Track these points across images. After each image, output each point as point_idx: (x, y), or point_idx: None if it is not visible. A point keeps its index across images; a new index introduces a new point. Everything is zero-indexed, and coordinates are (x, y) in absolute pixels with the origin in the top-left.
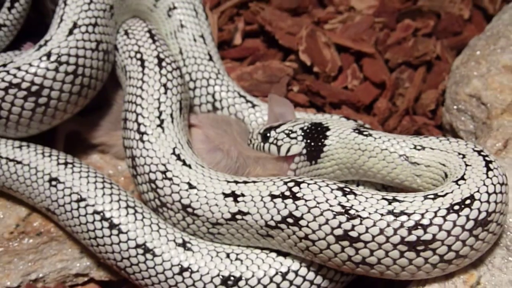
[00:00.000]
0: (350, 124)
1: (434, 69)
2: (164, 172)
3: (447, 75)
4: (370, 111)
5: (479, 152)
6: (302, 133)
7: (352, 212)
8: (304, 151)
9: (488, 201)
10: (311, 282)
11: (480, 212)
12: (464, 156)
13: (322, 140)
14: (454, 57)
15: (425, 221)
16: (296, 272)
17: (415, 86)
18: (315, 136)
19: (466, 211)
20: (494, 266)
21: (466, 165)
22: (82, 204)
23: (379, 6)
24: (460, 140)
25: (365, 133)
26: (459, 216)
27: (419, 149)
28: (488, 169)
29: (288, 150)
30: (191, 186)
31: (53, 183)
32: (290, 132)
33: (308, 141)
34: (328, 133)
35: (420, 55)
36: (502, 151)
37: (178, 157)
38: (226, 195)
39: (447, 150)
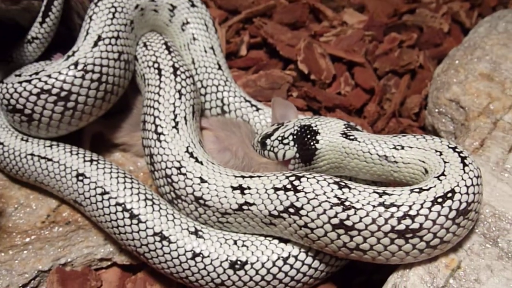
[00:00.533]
0: (338, 127)
1: (418, 77)
2: (178, 168)
3: (429, 82)
4: (361, 114)
5: (454, 149)
6: (293, 138)
7: (347, 203)
8: (298, 155)
9: (467, 193)
10: (309, 266)
11: (461, 203)
12: (441, 153)
13: (314, 144)
14: (435, 66)
15: (412, 212)
16: (296, 257)
17: (401, 92)
18: (306, 141)
19: (448, 202)
20: (473, 252)
21: (445, 162)
22: (106, 197)
23: (368, 21)
24: (435, 138)
25: (351, 137)
26: (442, 207)
27: (398, 149)
28: (464, 164)
29: (284, 156)
30: (202, 180)
31: (80, 178)
32: (282, 139)
33: (300, 145)
34: (318, 137)
35: (405, 64)
36: (479, 150)
37: (191, 155)
38: (234, 188)
39: (424, 147)
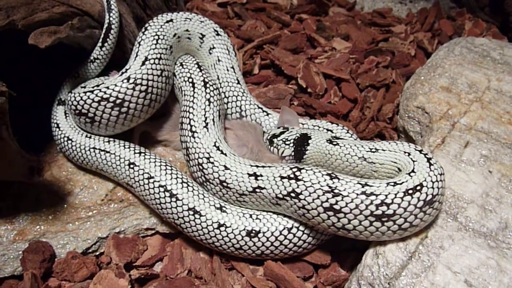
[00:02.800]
0: (326, 136)
1: (391, 90)
2: (208, 158)
3: (400, 93)
4: (346, 118)
5: (420, 151)
6: (293, 141)
7: (336, 191)
8: (293, 154)
9: (432, 187)
10: (308, 235)
11: (427, 195)
12: (409, 154)
13: (305, 146)
14: (404, 81)
15: (388, 200)
16: (297, 228)
17: (378, 101)
18: (300, 144)
19: (417, 194)
20: (437, 224)
21: (413, 161)
22: (151, 180)
23: (353, 47)
24: (404, 142)
25: (334, 143)
26: (412, 197)
27: (374, 152)
28: (430, 164)
29: (283, 153)
30: (226, 168)
31: (131, 166)
32: (286, 140)
33: (296, 147)
34: (309, 141)
35: (381, 80)
36: (441, 145)
37: (218, 148)
38: (250, 175)
39: (395, 150)
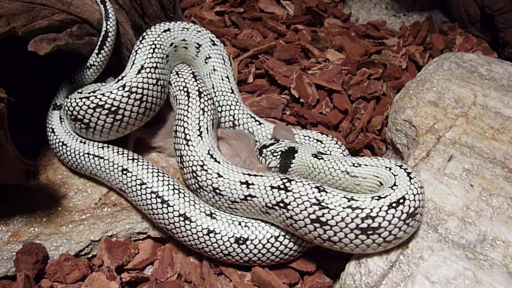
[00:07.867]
0: (312, 151)
1: (381, 102)
2: (202, 166)
3: (390, 106)
4: (337, 129)
5: (400, 166)
6: (280, 154)
7: (323, 203)
8: (278, 165)
9: (414, 200)
10: (294, 243)
11: (410, 207)
12: (390, 169)
13: (291, 159)
14: (394, 94)
15: (373, 214)
16: (284, 236)
17: (368, 113)
18: (287, 157)
19: (400, 207)
20: (418, 236)
21: (394, 175)
22: (144, 186)
23: (345, 58)
24: (385, 158)
25: (319, 157)
26: (396, 210)
27: (356, 166)
28: (410, 178)
29: (269, 164)
30: (219, 176)
31: (124, 172)
32: (274, 152)
33: (282, 159)
34: (295, 155)
35: (372, 92)
36: (426, 158)
37: (211, 156)
38: (242, 183)
39: (377, 165)
